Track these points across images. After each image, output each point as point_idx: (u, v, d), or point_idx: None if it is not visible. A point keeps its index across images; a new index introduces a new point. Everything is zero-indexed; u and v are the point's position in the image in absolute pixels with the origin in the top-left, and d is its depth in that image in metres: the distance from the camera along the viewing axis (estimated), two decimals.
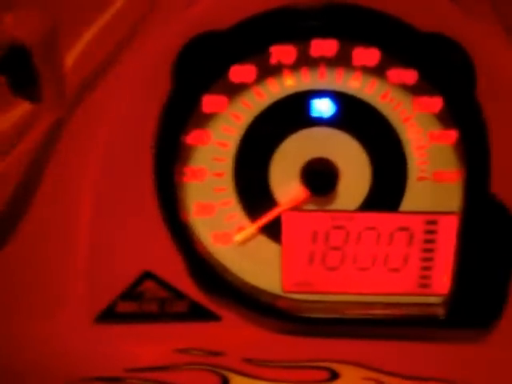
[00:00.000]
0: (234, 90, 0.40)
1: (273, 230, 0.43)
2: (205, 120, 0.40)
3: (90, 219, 0.42)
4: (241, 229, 0.43)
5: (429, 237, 0.43)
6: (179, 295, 0.43)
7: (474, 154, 0.38)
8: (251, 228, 0.43)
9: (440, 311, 0.42)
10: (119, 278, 0.42)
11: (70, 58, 0.42)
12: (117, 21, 0.43)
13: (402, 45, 0.37)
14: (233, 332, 0.43)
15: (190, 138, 0.40)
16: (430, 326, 0.42)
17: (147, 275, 0.42)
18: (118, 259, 0.42)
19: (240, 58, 0.38)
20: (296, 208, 0.42)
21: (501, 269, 0.40)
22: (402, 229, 0.43)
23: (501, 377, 0.40)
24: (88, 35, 0.42)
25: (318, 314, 0.43)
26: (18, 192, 0.42)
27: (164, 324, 0.44)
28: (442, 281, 0.43)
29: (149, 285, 0.42)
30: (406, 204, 0.42)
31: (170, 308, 0.43)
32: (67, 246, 0.43)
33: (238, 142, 0.41)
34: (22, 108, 0.41)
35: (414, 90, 0.39)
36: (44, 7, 0.41)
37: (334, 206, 0.42)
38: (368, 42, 0.37)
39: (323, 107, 0.40)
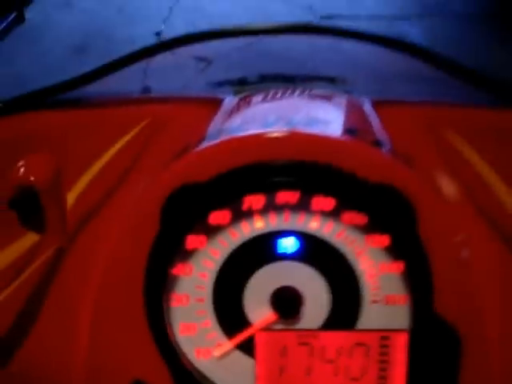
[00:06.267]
0: (212, 231, 0.47)
1: (247, 347, 0.48)
2: (188, 255, 0.47)
3: (89, 341, 0.48)
4: (219, 345, 0.49)
5: (383, 351, 0.47)
6: None
7: (418, 281, 0.45)
8: (228, 345, 0.48)
9: None
10: None
11: (71, 197, 0.51)
12: (110, 167, 0.51)
13: (353, 194, 0.45)
14: None
15: (176, 270, 0.47)
16: None
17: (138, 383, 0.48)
18: (114, 372, 0.48)
19: (217, 205, 0.46)
20: (267, 328, 0.48)
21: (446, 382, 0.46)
22: (360, 344, 0.48)
23: None
24: (87, 178, 0.51)
25: None
26: (20, 319, 0.47)
27: None
28: None
29: None
30: (362, 323, 0.48)
31: None
32: (66, 366, 0.48)
33: (216, 273, 0.48)
34: (23, 243, 0.48)
35: (365, 229, 0.46)
36: (50, 153, 0.51)
37: (299, 326, 0.48)
38: (325, 192, 0.45)
39: (288, 245, 0.47)
